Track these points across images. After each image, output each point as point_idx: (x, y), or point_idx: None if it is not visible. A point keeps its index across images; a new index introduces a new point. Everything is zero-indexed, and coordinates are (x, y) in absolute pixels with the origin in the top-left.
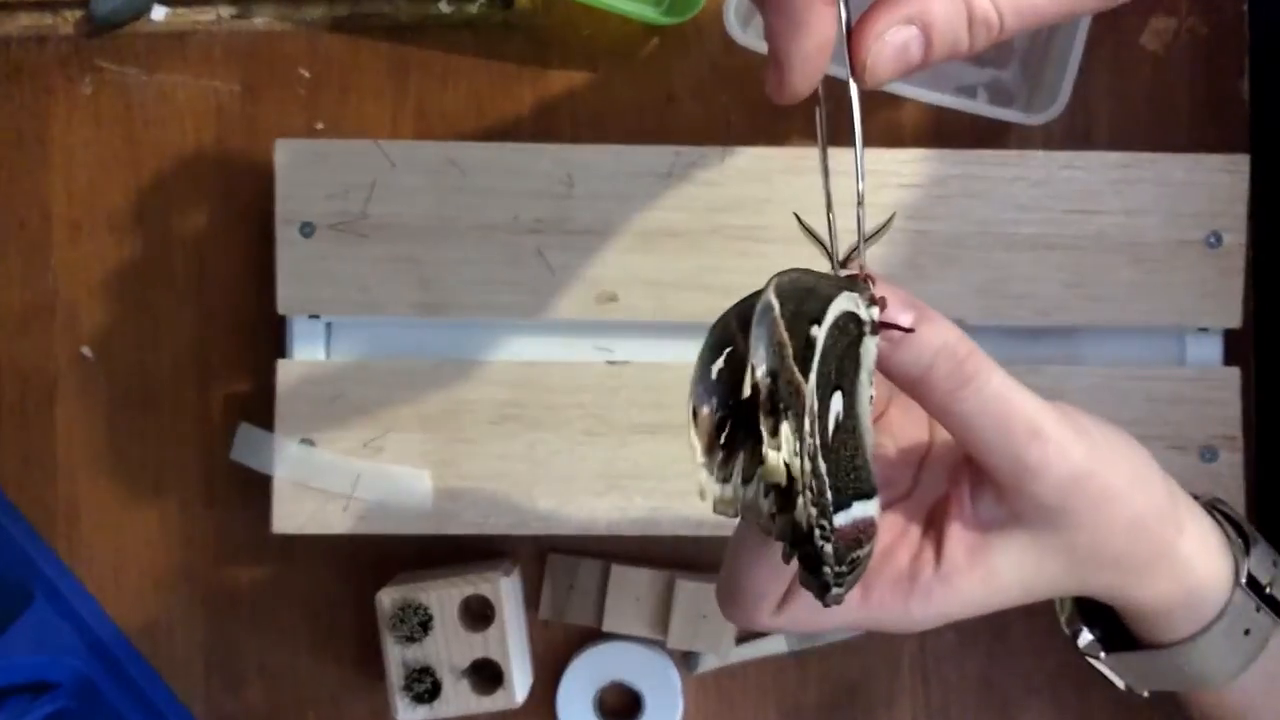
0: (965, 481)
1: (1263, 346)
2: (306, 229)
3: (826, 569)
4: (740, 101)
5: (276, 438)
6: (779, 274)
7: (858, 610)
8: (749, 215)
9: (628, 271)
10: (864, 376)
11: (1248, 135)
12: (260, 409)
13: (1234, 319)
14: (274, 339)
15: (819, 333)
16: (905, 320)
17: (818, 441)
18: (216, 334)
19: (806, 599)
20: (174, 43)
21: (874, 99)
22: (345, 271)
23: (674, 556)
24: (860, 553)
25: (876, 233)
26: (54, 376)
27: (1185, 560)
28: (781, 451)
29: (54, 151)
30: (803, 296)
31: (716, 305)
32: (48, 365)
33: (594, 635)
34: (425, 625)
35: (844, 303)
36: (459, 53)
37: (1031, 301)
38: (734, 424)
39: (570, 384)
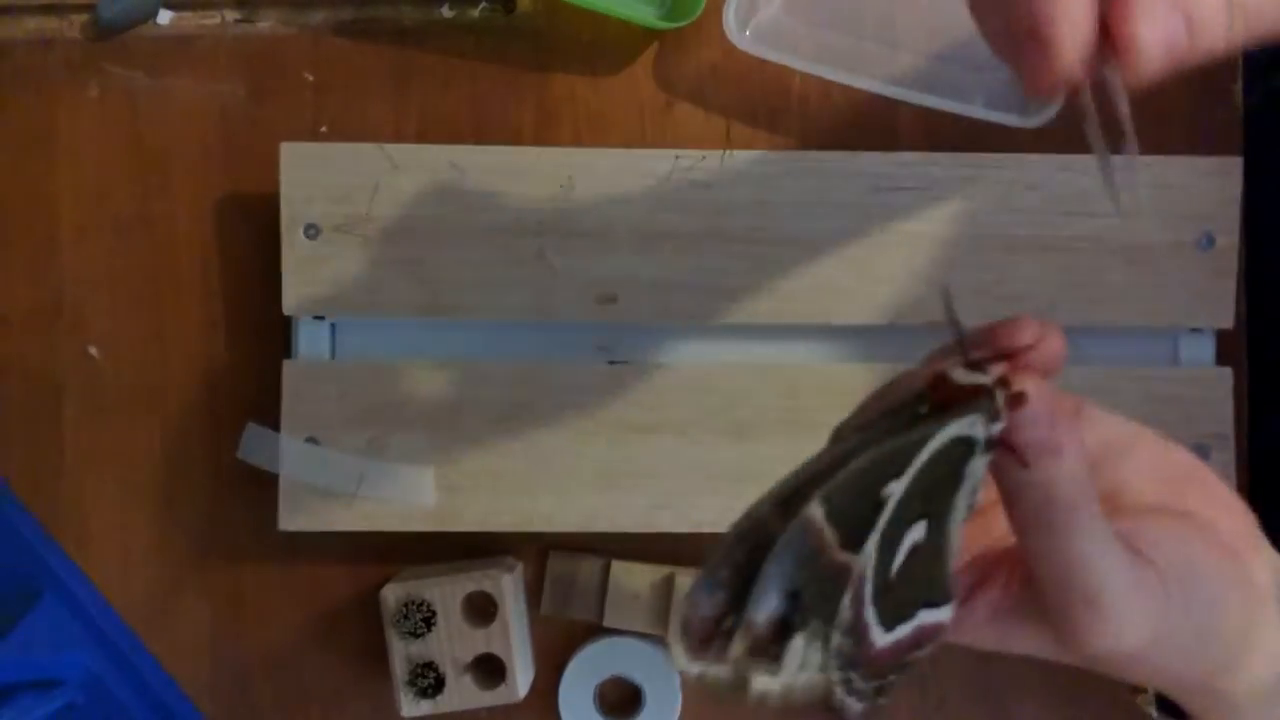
0: (1017, 561)
1: (1254, 347)
2: (311, 231)
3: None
4: (739, 105)
5: (282, 437)
6: (832, 449)
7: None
8: (747, 218)
9: (628, 273)
10: (962, 496)
11: (1241, 139)
12: (266, 408)
13: (1226, 319)
14: (280, 339)
15: (896, 488)
16: (1037, 433)
17: (861, 610)
18: (223, 334)
19: None
20: (179, 47)
21: (869, 104)
22: (349, 273)
23: (673, 553)
24: (909, 657)
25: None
26: (61, 376)
27: (1240, 709)
28: (779, 678)
29: (60, 154)
30: (881, 464)
31: (716, 306)
32: (55, 365)
33: (595, 631)
34: (429, 621)
35: (953, 430)
36: (461, 57)
37: (1027, 302)
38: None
39: (571, 384)
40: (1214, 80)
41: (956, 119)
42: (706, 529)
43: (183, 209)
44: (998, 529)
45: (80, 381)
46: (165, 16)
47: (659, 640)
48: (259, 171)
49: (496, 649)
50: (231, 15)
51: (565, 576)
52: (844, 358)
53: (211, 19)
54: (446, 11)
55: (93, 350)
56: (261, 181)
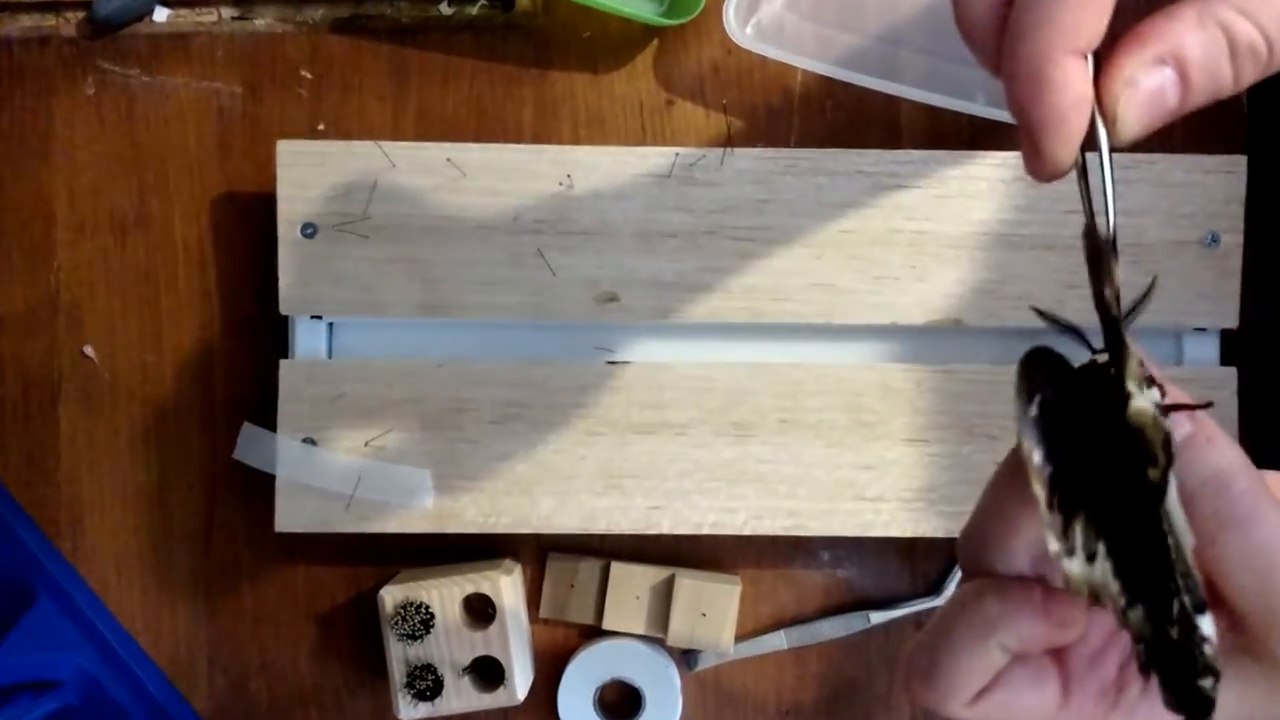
0: None
1: (1259, 346)
2: (308, 229)
3: (1208, 681)
4: (740, 103)
5: (279, 437)
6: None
7: (1053, 714)
8: (748, 216)
9: (627, 272)
10: (1171, 472)
11: (1245, 137)
12: (263, 409)
13: (1231, 319)
14: (276, 339)
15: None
16: (1180, 430)
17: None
18: (219, 334)
19: (1002, 698)
20: (176, 44)
21: (871, 101)
22: (347, 272)
23: (673, 555)
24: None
25: (1137, 306)
26: (57, 376)
27: None
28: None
29: (56, 152)
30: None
31: (717, 306)
32: (51, 365)
33: (594, 633)
34: (427, 623)
35: (1131, 385)
36: (460, 54)
37: (1030, 302)
38: (1062, 483)
39: (570, 384)
40: None
41: (958, 117)
42: (706, 530)
43: (179, 207)
44: None
45: (76, 381)
46: (161, 14)
47: (659, 642)
48: (256, 169)
49: (495, 651)
50: (228, 12)
51: (564, 578)
52: (845, 358)
53: (208, 16)
54: (445, 9)
55: (88, 350)
56: (258, 180)
